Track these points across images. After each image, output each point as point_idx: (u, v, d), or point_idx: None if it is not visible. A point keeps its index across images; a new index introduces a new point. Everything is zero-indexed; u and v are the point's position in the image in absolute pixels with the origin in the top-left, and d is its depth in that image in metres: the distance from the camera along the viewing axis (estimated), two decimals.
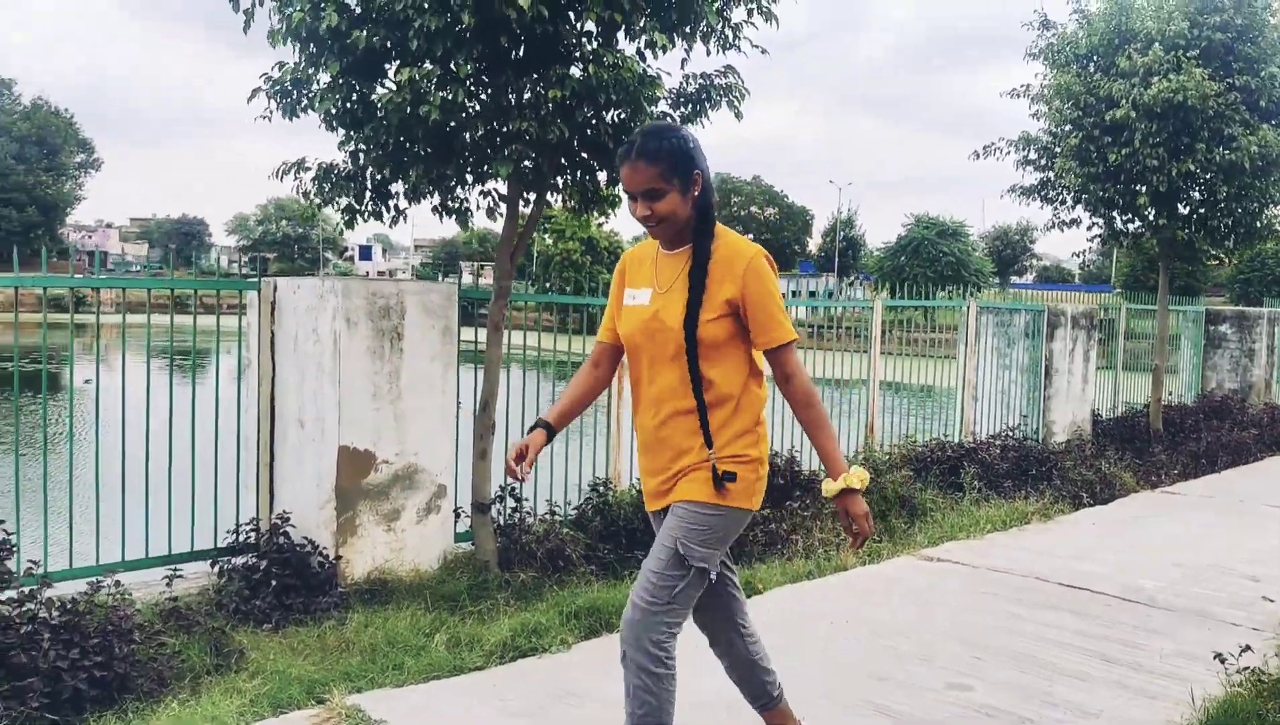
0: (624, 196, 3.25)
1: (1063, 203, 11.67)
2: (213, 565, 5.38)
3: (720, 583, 3.26)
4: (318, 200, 6.17)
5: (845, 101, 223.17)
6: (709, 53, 6.14)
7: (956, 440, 9.82)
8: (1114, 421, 12.35)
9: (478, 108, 5.59)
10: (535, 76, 5.54)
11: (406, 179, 5.96)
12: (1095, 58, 10.82)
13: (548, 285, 34.99)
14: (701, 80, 6.17)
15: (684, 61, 6.16)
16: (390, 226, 6.51)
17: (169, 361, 5.74)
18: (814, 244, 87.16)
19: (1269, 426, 13.01)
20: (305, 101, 5.71)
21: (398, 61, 5.53)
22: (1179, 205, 11.32)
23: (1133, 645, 5.19)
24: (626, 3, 5.39)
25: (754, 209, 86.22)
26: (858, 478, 3.02)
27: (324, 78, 5.64)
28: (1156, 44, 10.21)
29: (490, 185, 6.29)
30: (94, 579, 4.62)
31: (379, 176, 6.06)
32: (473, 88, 5.51)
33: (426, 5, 5.11)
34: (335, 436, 5.42)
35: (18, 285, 5.06)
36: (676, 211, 3.01)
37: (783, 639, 5.07)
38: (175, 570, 5.10)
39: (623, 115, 5.86)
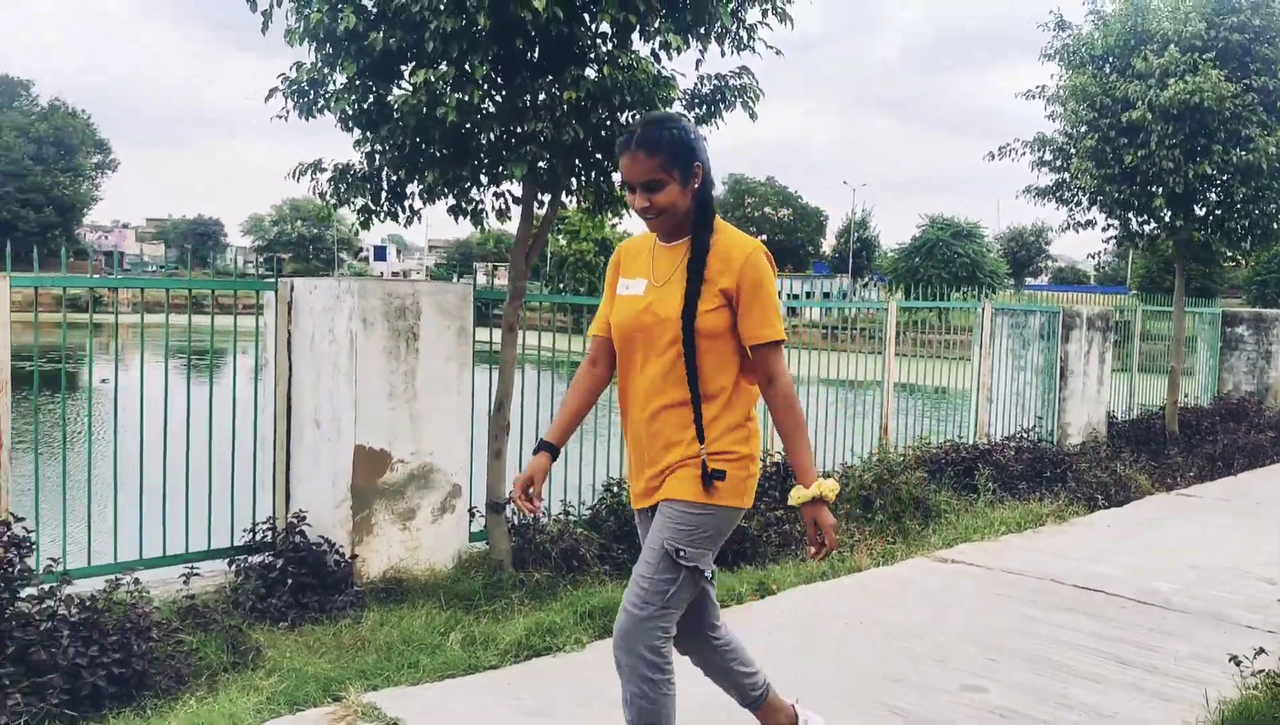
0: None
1: (1078, 204, 11.64)
2: (229, 564, 5.42)
3: None
4: (334, 201, 6.20)
5: (860, 102, 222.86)
6: (723, 54, 6.15)
7: (971, 442, 9.80)
8: (1129, 423, 12.30)
9: (493, 109, 5.62)
10: (550, 78, 5.56)
11: (422, 180, 5.99)
12: (1111, 59, 10.79)
13: (561, 286, 35.04)
14: (716, 81, 6.18)
15: (698, 62, 6.17)
16: (405, 227, 6.54)
17: (186, 361, 5.77)
18: (828, 245, 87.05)
19: None
20: (322, 102, 5.74)
21: (414, 63, 5.56)
22: (1195, 207, 11.28)
23: (1148, 648, 5.17)
24: (641, 4, 5.40)
25: (768, 210, 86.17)
26: (828, 489, 2.98)
27: (340, 79, 5.68)
28: (1173, 45, 10.17)
29: (505, 186, 6.31)
30: (112, 577, 4.66)
31: (395, 177, 6.10)
32: (488, 89, 5.54)
33: (442, 7, 5.14)
34: (351, 436, 5.45)
35: (38, 285, 5.10)
36: (676, 203, 2.97)
37: (796, 639, 5.08)
38: (192, 568, 5.14)
39: (637, 116, 5.88)
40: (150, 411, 5.36)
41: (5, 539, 4.37)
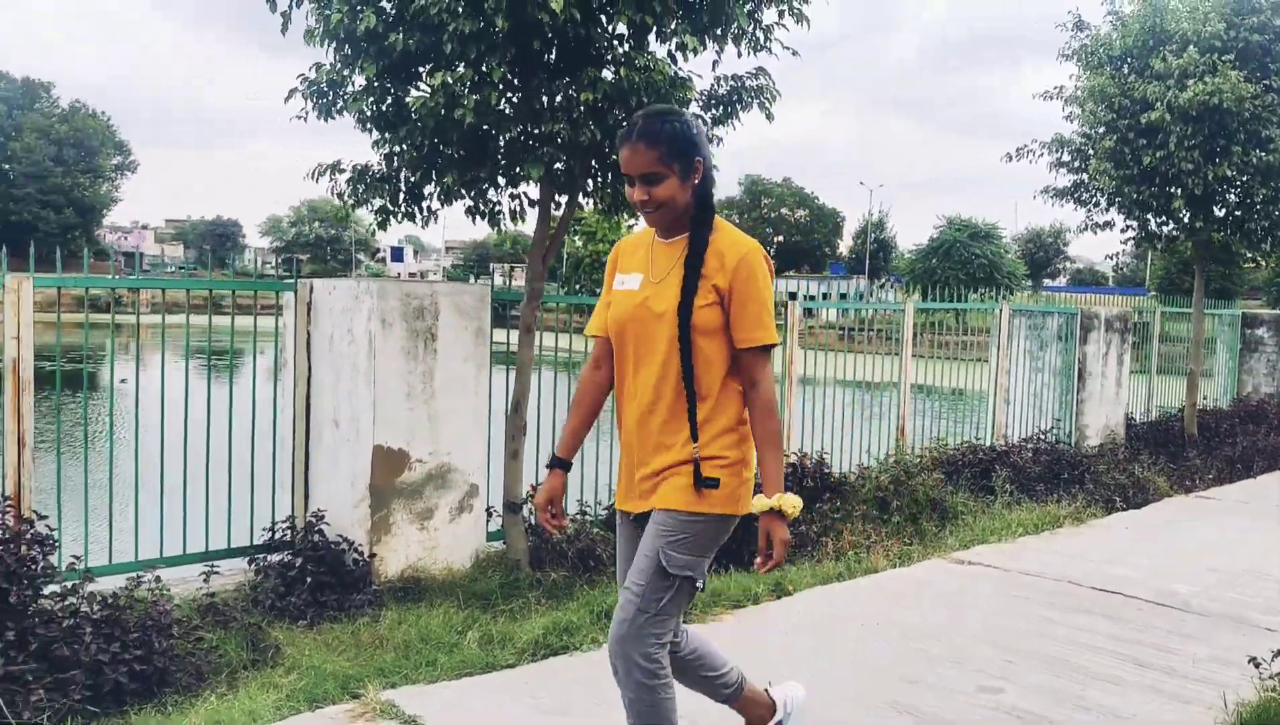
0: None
1: (1096, 205, 11.61)
2: (249, 562, 5.46)
3: None
4: (352, 201, 6.24)
5: (877, 103, 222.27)
6: (740, 55, 6.16)
7: (988, 443, 9.78)
8: (1148, 426, 12.25)
9: (510, 111, 5.64)
10: (567, 79, 5.58)
11: (440, 181, 6.02)
12: (1129, 59, 10.75)
13: (578, 287, 35.07)
14: (733, 82, 6.19)
15: (715, 63, 6.19)
16: (423, 228, 6.58)
17: (206, 361, 5.82)
18: (845, 246, 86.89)
19: None
20: (341, 104, 5.78)
21: (431, 65, 5.59)
22: (1214, 208, 11.23)
23: (1166, 650, 5.15)
24: (658, 5, 5.42)
25: (784, 210, 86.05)
26: (789, 504, 2.86)
27: (359, 80, 5.71)
28: (1192, 46, 10.13)
29: (522, 187, 6.34)
30: (134, 575, 4.71)
31: (412, 178, 6.13)
32: (505, 91, 5.56)
33: (460, 9, 5.16)
34: (370, 436, 5.48)
35: (60, 285, 5.15)
36: (675, 197, 2.91)
37: (813, 640, 5.09)
38: (212, 567, 5.19)
39: None
40: (170, 411, 5.40)
41: (28, 537, 4.42)
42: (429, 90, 5.44)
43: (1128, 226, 11.85)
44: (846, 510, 7.37)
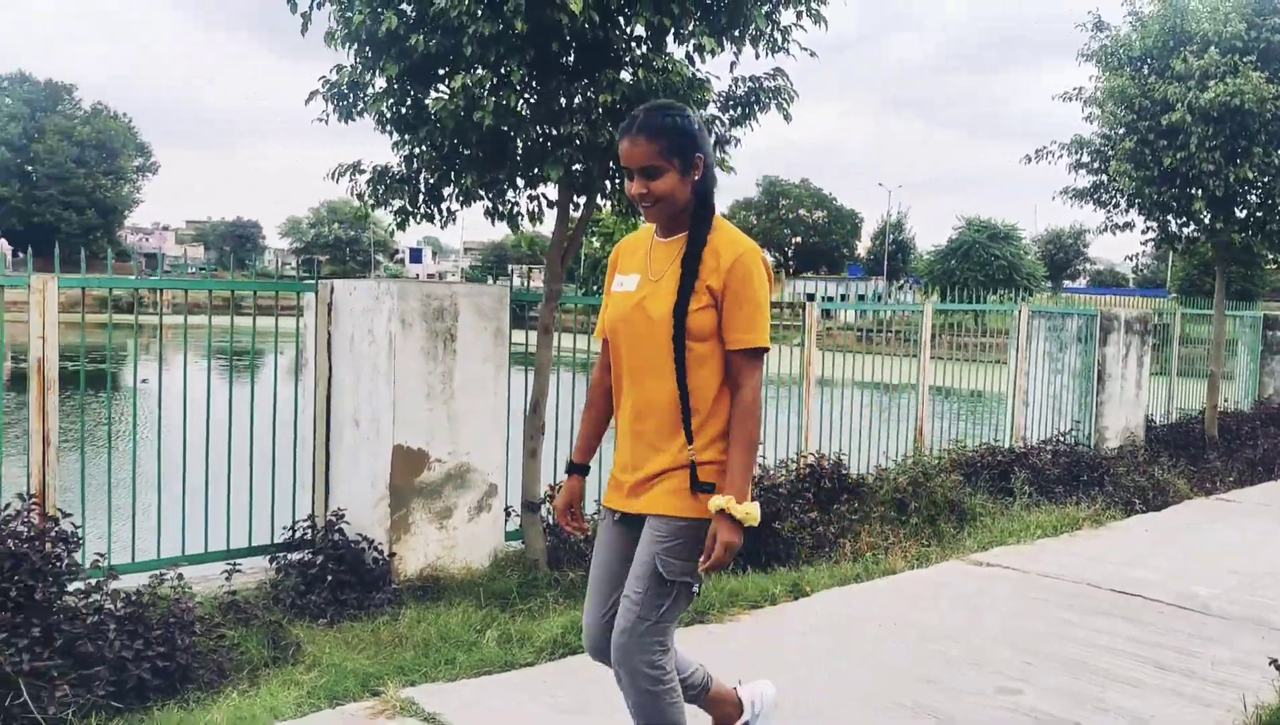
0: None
1: (1116, 206, 11.57)
2: (270, 561, 5.50)
3: None
4: (371, 202, 6.28)
5: (895, 103, 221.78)
6: (758, 56, 6.17)
7: (1007, 445, 9.75)
8: (1168, 428, 12.19)
9: (529, 112, 5.67)
10: (585, 81, 5.60)
11: (459, 182, 6.05)
12: (1149, 60, 10.70)
13: (595, 288, 35.12)
14: (750, 83, 6.20)
15: (733, 65, 6.20)
16: (442, 229, 6.61)
17: (229, 361, 5.87)
18: (863, 247, 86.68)
19: None
20: (362, 105, 5.81)
21: (451, 67, 5.62)
22: (1235, 209, 11.17)
23: (1186, 652, 5.14)
24: (676, 7, 5.43)
25: (802, 212, 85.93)
26: (745, 510, 2.77)
27: (380, 82, 5.75)
28: (1213, 47, 10.09)
29: (540, 189, 6.36)
30: (157, 572, 4.75)
31: (431, 180, 6.16)
32: (524, 93, 5.59)
33: (480, 12, 5.19)
34: (390, 436, 5.51)
35: (84, 286, 5.21)
36: (674, 192, 2.86)
37: (830, 641, 5.09)
38: (234, 565, 5.23)
39: None
40: (192, 411, 5.45)
41: (53, 534, 4.47)
42: (448, 92, 5.47)
43: (1148, 228, 11.81)
44: (864, 511, 7.37)
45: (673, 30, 5.70)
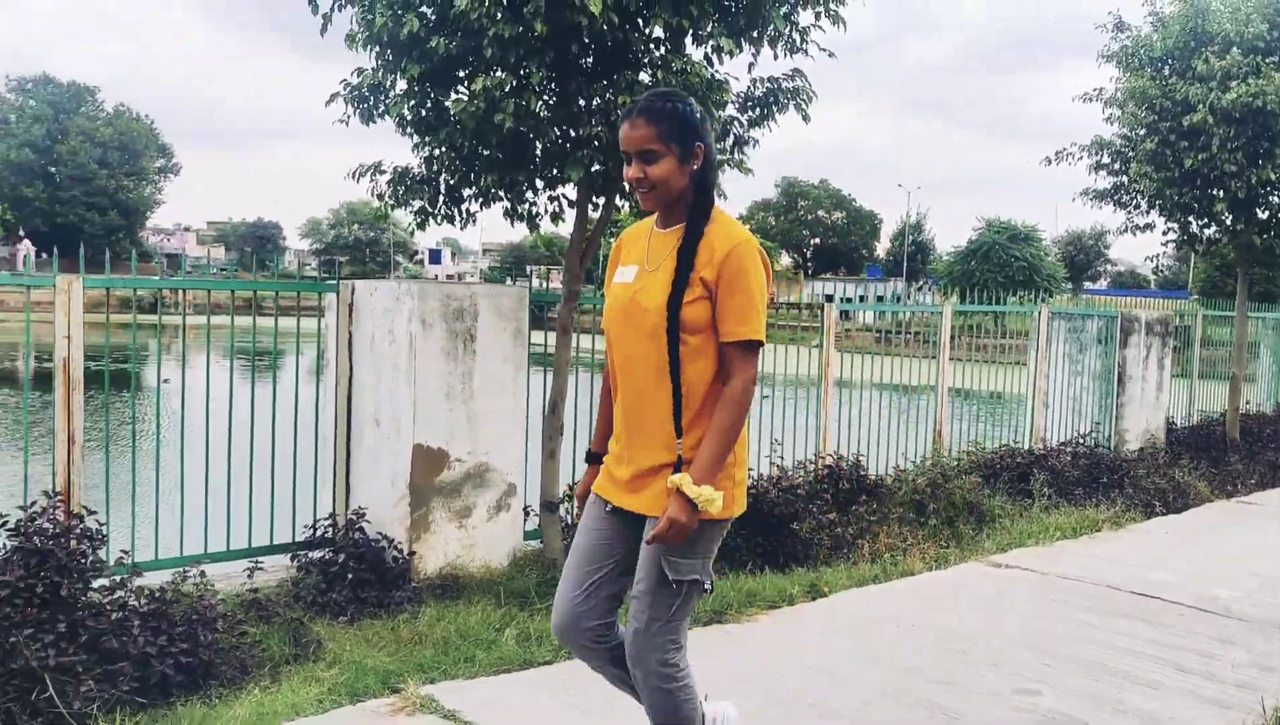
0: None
1: (1137, 207, 11.52)
2: (291, 559, 5.54)
3: (608, 587, 3.04)
4: (392, 202, 6.32)
5: (914, 104, 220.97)
6: (776, 57, 6.18)
7: (1026, 447, 9.72)
8: (1189, 430, 12.13)
9: (548, 114, 5.70)
10: (605, 83, 5.63)
11: (479, 184, 6.08)
12: (1171, 61, 10.65)
13: None
14: (769, 84, 6.20)
15: (751, 66, 6.21)
16: (461, 230, 6.65)
17: (251, 362, 5.92)
18: (882, 248, 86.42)
19: None
20: (383, 107, 5.85)
21: (471, 69, 5.66)
22: (1257, 210, 11.10)
23: (1206, 655, 5.12)
24: (694, 8, 5.45)
25: (821, 213, 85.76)
26: (700, 493, 2.72)
27: (400, 84, 5.79)
28: (1235, 47, 10.03)
29: (560, 190, 6.39)
30: (179, 569, 4.80)
31: (451, 181, 6.20)
32: (544, 95, 5.62)
33: (500, 14, 5.23)
34: (410, 435, 5.55)
35: (109, 286, 5.26)
36: (671, 179, 2.84)
37: (849, 642, 5.10)
38: (256, 563, 5.28)
39: None
40: (215, 410, 5.50)
41: (78, 532, 4.52)
42: (468, 94, 5.50)
43: (1168, 229, 11.75)
44: (883, 513, 7.37)
45: (691, 32, 5.72)
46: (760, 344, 2.84)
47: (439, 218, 6.42)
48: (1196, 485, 9.70)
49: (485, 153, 5.89)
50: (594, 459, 3.24)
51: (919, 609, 5.71)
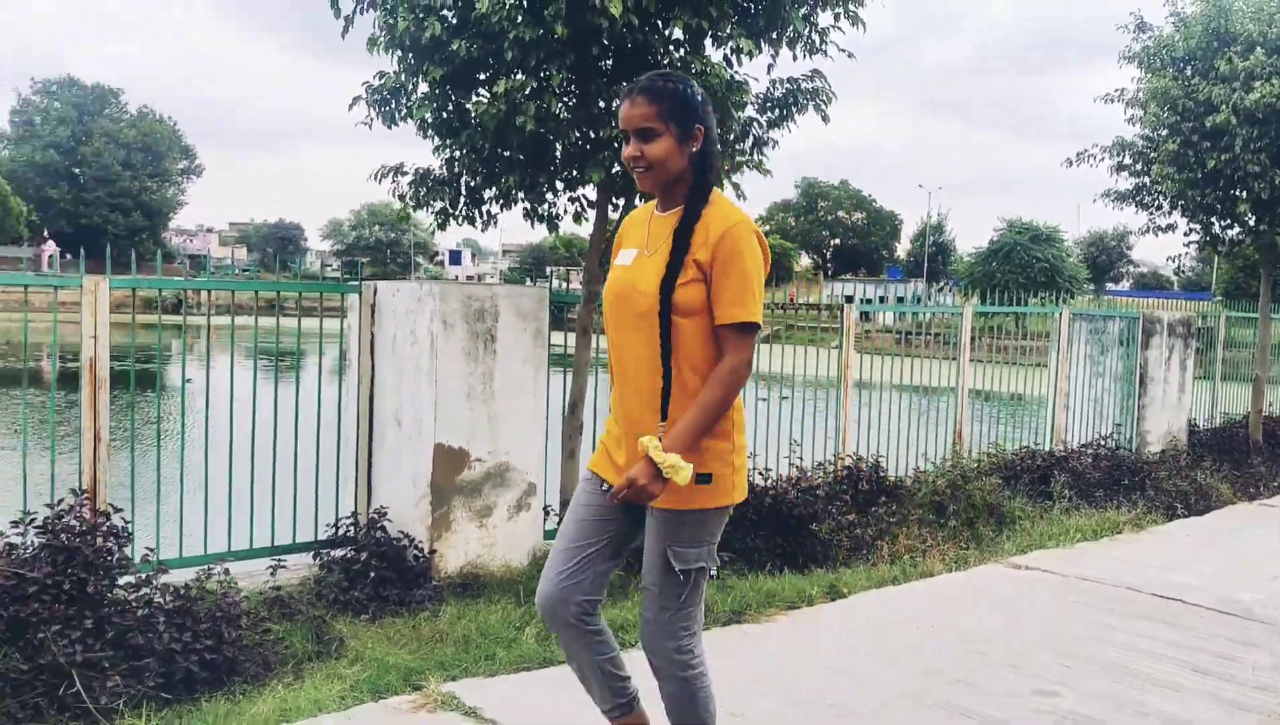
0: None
1: (1159, 208, 11.47)
2: (314, 557, 5.58)
3: (598, 564, 3.01)
4: (413, 203, 6.37)
5: (933, 105, 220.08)
6: (795, 58, 6.20)
7: (1047, 448, 9.69)
8: (1211, 432, 12.06)
9: (569, 116, 5.73)
10: (625, 84, 5.65)
11: (500, 185, 6.13)
12: (1193, 61, 10.59)
13: None
14: (788, 85, 6.23)
15: (770, 67, 6.23)
16: (482, 232, 6.70)
17: (274, 362, 5.97)
18: (903, 249, 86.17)
19: None
20: (405, 110, 5.90)
21: (492, 71, 5.70)
22: None
23: (1227, 657, 5.10)
24: (714, 10, 5.48)
25: (841, 213, 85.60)
26: (668, 461, 2.66)
27: (422, 87, 5.84)
28: (1259, 48, 9.96)
29: (580, 191, 6.43)
30: (204, 567, 4.85)
31: (472, 182, 6.24)
32: (564, 97, 5.65)
33: (520, 17, 5.27)
34: (431, 435, 5.59)
35: (135, 286, 5.32)
36: (668, 159, 2.81)
37: (868, 643, 5.10)
38: (279, 561, 5.32)
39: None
40: (238, 410, 5.55)
41: (104, 529, 4.57)
42: (489, 97, 5.54)
43: (1190, 230, 11.69)
44: (902, 514, 7.36)
45: (710, 33, 5.75)
46: (756, 327, 2.79)
47: (460, 219, 6.47)
48: (1219, 487, 9.65)
49: (506, 154, 5.93)
50: None
51: (938, 610, 5.70)
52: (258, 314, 5.89)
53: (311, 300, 6.17)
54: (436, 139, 6.06)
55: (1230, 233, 11.62)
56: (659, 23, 5.67)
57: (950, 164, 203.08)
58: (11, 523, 4.43)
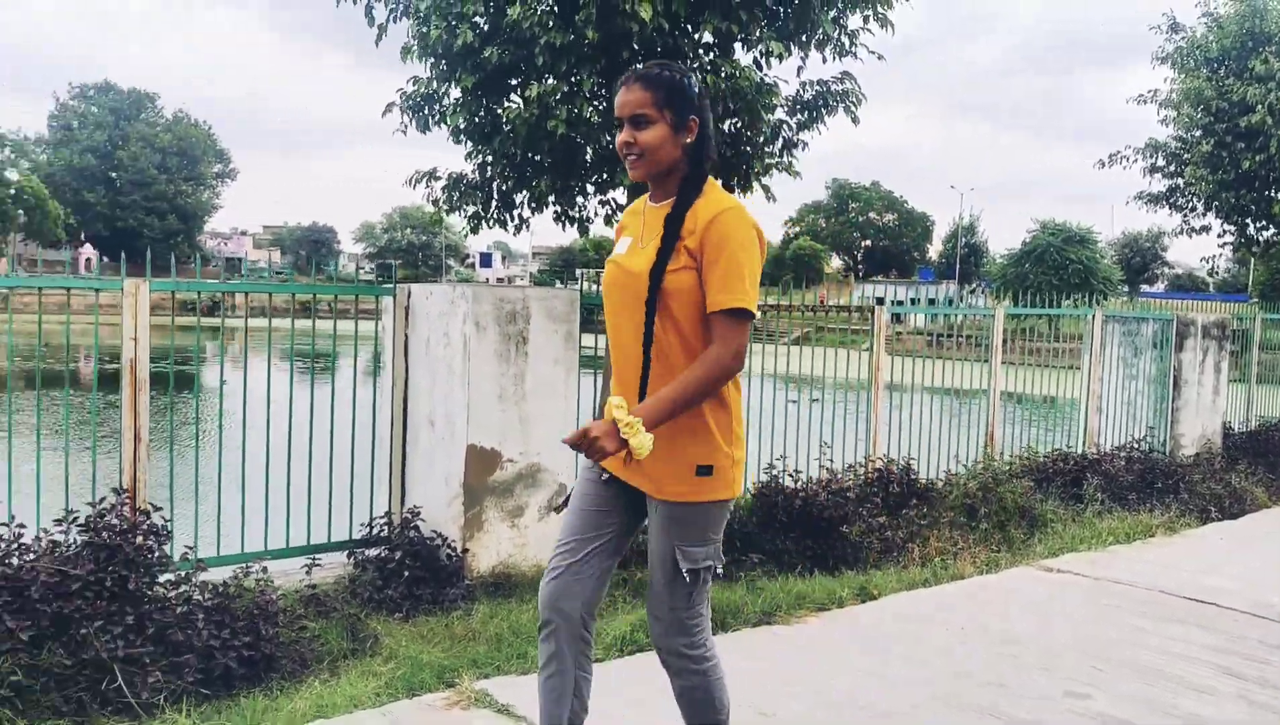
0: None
1: (1192, 210, 11.39)
2: (348, 556, 5.66)
3: (602, 560, 2.98)
4: (446, 207, 6.45)
5: (963, 107, 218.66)
6: (825, 60, 6.22)
7: (1079, 451, 9.64)
8: (1246, 435, 11.93)
9: (599, 120, 5.78)
10: None
11: (531, 189, 6.19)
12: (1227, 62, 10.52)
13: None
14: (818, 87, 6.25)
15: (800, 69, 6.26)
16: (514, 235, 6.76)
17: (311, 363, 6.04)
18: (934, 250, 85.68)
19: None
20: (438, 116, 5.97)
21: (523, 77, 5.76)
22: None
23: (1261, 661, 5.07)
24: (743, 13, 5.51)
25: (872, 215, 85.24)
26: (629, 423, 2.62)
27: (455, 93, 5.91)
28: None
29: (610, 194, 6.48)
30: (241, 565, 4.93)
31: (504, 187, 6.31)
32: (595, 101, 5.70)
33: (551, 22, 5.32)
34: (464, 436, 5.65)
35: (175, 289, 5.42)
36: (660, 147, 2.79)
37: (898, 644, 5.11)
38: (314, 560, 5.40)
39: (739, 124, 5.99)
40: (275, 411, 5.63)
41: (145, 527, 4.65)
42: (521, 102, 5.61)
43: (1225, 231, 11.61)
44: (933, 517, 7.35)
45: (740, 36, 5.78)
46: (749, 315, 2.73)
47: (491, 222, 6.53)
48: (1253, 491, 9.57)
49: (537, 159, 5.99)
50: None
51: (969, 612, 5.70)
52: (294, 316, 5.98)
53: (346, 302, 6.25)
54: (469, 144, 6.13)
55: (1265, 234, 11.52)
56: (689, 26, 5.72)
57: (980, 166, 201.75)
58: (55, 521, 4.52)
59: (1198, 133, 10.67)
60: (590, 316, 6.94)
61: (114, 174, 72.96)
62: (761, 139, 6.13)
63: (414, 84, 5.97)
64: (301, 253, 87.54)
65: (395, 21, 5.93)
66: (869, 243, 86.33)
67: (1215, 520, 8.64)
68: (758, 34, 5.83)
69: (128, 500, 4.91)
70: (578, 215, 6.57)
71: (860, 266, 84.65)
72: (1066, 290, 41.66)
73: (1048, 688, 4.60)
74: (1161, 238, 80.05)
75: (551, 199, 6.34)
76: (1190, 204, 11.34)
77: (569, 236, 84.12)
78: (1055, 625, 5.54)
